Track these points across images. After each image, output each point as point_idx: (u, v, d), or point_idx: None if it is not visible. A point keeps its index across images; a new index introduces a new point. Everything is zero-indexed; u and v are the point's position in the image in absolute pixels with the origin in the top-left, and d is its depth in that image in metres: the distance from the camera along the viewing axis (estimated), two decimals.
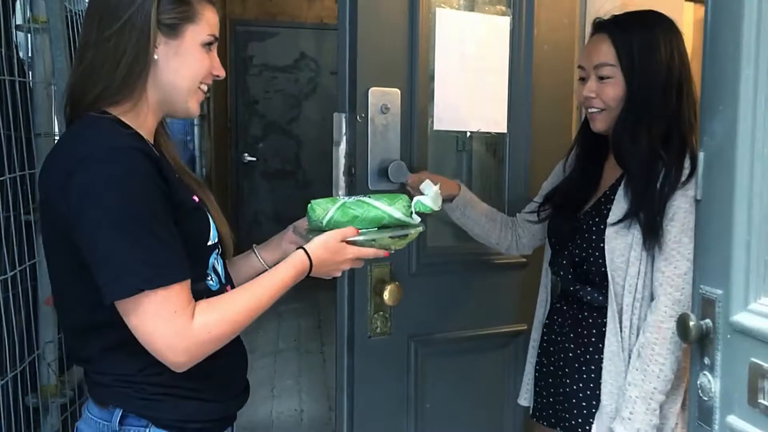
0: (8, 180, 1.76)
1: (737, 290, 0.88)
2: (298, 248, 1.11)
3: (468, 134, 1.74)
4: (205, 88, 1.09)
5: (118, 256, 0.92)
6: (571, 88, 1.84)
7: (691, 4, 2.26)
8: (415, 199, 1.18)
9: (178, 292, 0.95)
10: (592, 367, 1.35)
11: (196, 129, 4.62)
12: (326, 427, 3.04)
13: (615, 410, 1.29)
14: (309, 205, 1.16)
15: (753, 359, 0.85)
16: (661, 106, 1.27)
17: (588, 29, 1.86)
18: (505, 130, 1.75)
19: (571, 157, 1.49)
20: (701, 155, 0.94)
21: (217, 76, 1.10)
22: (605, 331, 1.32)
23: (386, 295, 1.54)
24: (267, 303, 1.04)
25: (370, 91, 1.53)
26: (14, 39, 1.98)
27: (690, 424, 0.98)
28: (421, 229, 1.18)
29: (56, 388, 1.95)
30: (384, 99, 1.54)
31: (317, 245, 1.10)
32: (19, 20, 2.01)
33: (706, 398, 0.93)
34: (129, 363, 1.00)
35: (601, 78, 1.31)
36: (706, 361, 0.93)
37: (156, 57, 1.02)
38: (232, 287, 1.13)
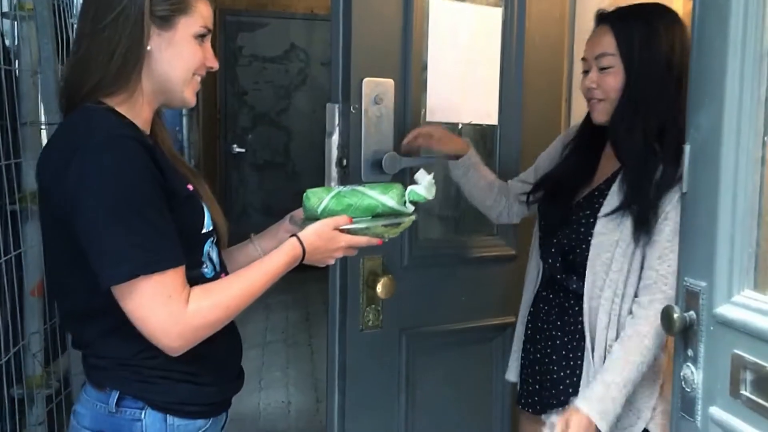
0: None
1: (721, 283, 0.89)
2: (291, 236, 1.13)
3: (459, 126, 1.74)
4: (199, 78, 1.11)
5: (114, 243, 0.94)
6: (561, 80, 1.85)
7: None
8: (409, 188, 1.19)
9: (173, 278, 0.97)
10: (579, 354, 1.36)
11: (184, 120, 4.59)
12: (313, 418, 3.05)
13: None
14: (304, 194, 1.18)
15: (735, 351, 0.86)
16: (659, 98, 1.28)
17: (578, 22, 1.88)
18: (496, 122, 1.75)
19: (568, 144, 1.49)
20: (687, 148, 0.95)
21: (211, 68, 1.12)
22: None
23: (379, 288, 1.54)
24: (260, 289, 1.06)
25: (363, 81, 1.52)
26: (0, 27, 1.95)
27: (673, 415, 0.99)
28: (414, 217, 1.19)
29: (42, 379, 1.95)
30: (377, 89, 1.53)
31: (310, 233, 1.12)
32: (5, 7, 1.99)
33: (688, 389, 0.94)
34: (126, 347, 1.03)
35: (602, 68, 1.32)
36: (690, 352, 0.94)
37: (149, 48, 1.03)
38: (227, 275, 1.14)
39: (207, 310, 1.00)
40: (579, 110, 1.76)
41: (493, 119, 1.75)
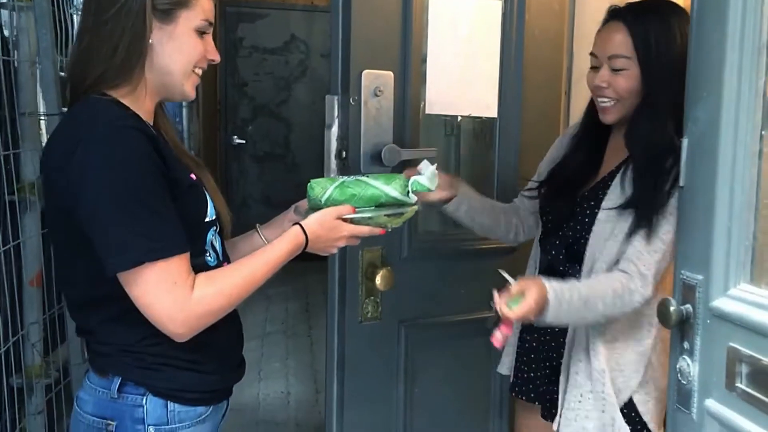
0: None
1: (717, 276, 0.89)
2: (294, 224, 1.14)
3: (459, 118, 1.74)
4: (200, 71, 1.12)
5: (119, 230, 0.96)
6: (561, 73, 1.84)
7: None
8: (412, 178, 1.20)
9: (178, 265, 0.98)
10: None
11: (184, 111, 4.58)
12: (312, 409, 3.07)
13: (590, 389, 1.31)
14: (308, 183, 1.19)
15: (731, 344, 0.86)
16: (676, 98, 1.25)
17: (578, 15, 1.87)
18: (495, 115, 1.75)
19: (571, 139, 1.47)
20: (685, 142, 0.95)
21: (212, 61, 1.12)
22: None
23: (378, 280, 1.54)
24: (263, 277, 1.07)
25: (363, 73, 1.51)
26: None
27: (669, 407, 0.99)
28: (417, 207, 1.21)
29: (41, 368, 1.95)
30: (377, 82, 1.53)
31: (313, 221, 1.14)
32: None
33: (684, 382, 0.95)
34: (129, 333, 1.04)
35: (615, 69, 1.29)
36: (686, 345, 0.94)
37: (151, 41, 1.04)
38: (230, 264, 1.15)
39: (211, 296, 1.01)
40: (578, 103, 1.76)
41: (492, 112, 1.74)
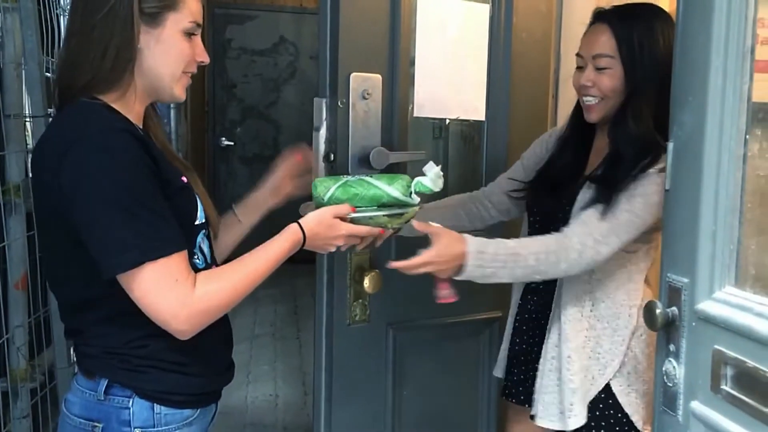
0: None
1: (703, 279, 0.90)
2: (292, 222, 1.14)
3: (447, 121, 1.74)
4: (189, 74, 1.11)
5: (116, 232, 0.95)
6: (548, 76, 1.85)
7: None
8: (416, 179, 1.21)
9: (178, 262, 0.98)
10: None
11: (172, 112, 4.55)
12: (301, 411, 3.06)
13: (581, 390, 1.32)
14: (313, 182, 1.21)
15: (716, 346, 0.87)
16: (658, 98, 1.26)
17: (565, 18, 1.88)
18: (483, 118, 1.75)
19: (557, 140, 1.49)
20: (670, 145, 0.96)
21: (201, 62, 1.12)
22: None
23: (367, 282, 1.54)
24: (264, 274, 1.08)
25: (351, 76, 1.51)
26: None
27: (655, 409, 1.00)
28: (417, 208, 1.22)
29: (26, 372, 1.93)
30: (365, 84, 1.53)
31: (311, 219, 1.14)
32: None
33: (670, 384, 0.95)
34: (116, 336, 1.04)
35: (599, 68, 1.32)
36: (672, 348, 0.95)
37: (139, 46, 1.04)
38: (228, 263, 1.15)
39: (214, 293, 1.01)
40: (566, 105, 1.77)
41: (480, 115, 1.75)
